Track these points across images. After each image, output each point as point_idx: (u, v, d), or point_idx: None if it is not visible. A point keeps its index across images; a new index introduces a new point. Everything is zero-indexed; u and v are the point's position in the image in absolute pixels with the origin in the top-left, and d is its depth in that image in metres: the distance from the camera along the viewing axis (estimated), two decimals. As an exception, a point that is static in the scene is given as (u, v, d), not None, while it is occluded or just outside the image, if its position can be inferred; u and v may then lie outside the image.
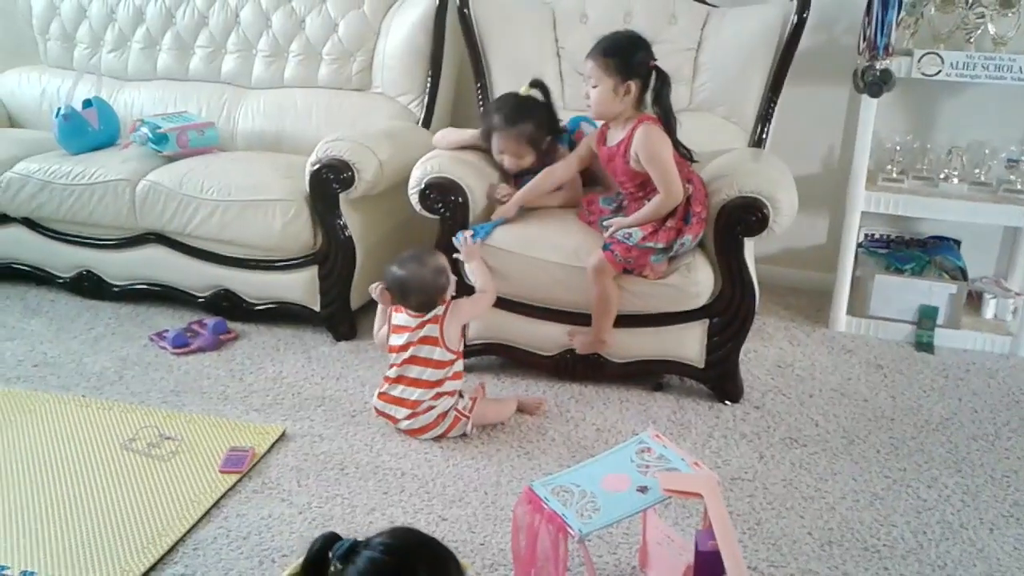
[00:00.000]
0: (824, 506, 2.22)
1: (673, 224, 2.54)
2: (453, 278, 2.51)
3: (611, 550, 2.05)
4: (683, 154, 2.58)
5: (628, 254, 2.53)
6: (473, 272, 2.63)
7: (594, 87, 2.52)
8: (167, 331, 3.05)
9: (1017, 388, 2.82)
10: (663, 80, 2.53)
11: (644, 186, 2.57)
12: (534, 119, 2.76)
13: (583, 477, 1.80)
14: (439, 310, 2.45)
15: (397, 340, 2.48)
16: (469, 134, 2.91)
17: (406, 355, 2.46)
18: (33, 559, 1.99)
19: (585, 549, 1.71)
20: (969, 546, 2.08)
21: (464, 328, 2.62)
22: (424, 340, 2.44)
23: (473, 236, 2.63)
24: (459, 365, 2.51)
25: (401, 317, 2.48)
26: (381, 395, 2.50)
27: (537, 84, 2.82)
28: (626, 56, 2.50)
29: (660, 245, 2.53)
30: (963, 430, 2.58)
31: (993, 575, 1.99)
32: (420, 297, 2.44)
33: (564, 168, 2.75)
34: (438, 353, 2.44)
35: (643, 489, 1.75)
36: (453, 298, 2.50)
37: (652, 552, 1.98)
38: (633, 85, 2.51)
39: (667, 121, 2.54)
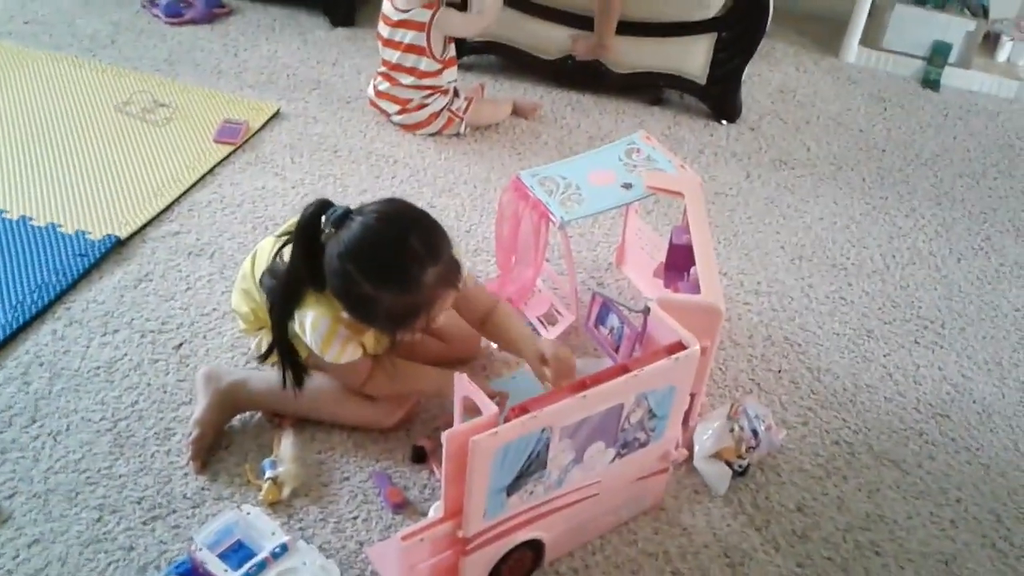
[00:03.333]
0: (801, 225, 2.29)
1: None
2: None
3: (591, 247, 2.13)
4: None
5: None
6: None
7: None
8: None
9: (1014, 132, 2.81)
10: None
11: None
12: None
13: (571, 170, 1.83)
14: (424, 15, 2.33)
15: (383, 31, 2.40)
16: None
17: (392, 59, 2.39)
18: (30, 204, 2.06)
19: (566, 239, 1.77)
20: (934, 271, 2.18)
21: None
22: (409, 48, 2.35)
23: None
24: (451, 72, 2.45)
25: (387, 7, 2.38)
26: (375, 89, 2.47)
27: None
28: None
29: None
30: (952, 167, 2.60)
31: (952, 298, 2.10)
32: None
33: None
34: (424, 63, 2.37)
35: (627, 185, 1.78)
36: (449, 4, 2.39)
37: (629, 251, 2.06)
38: None
39: None
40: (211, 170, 2.24)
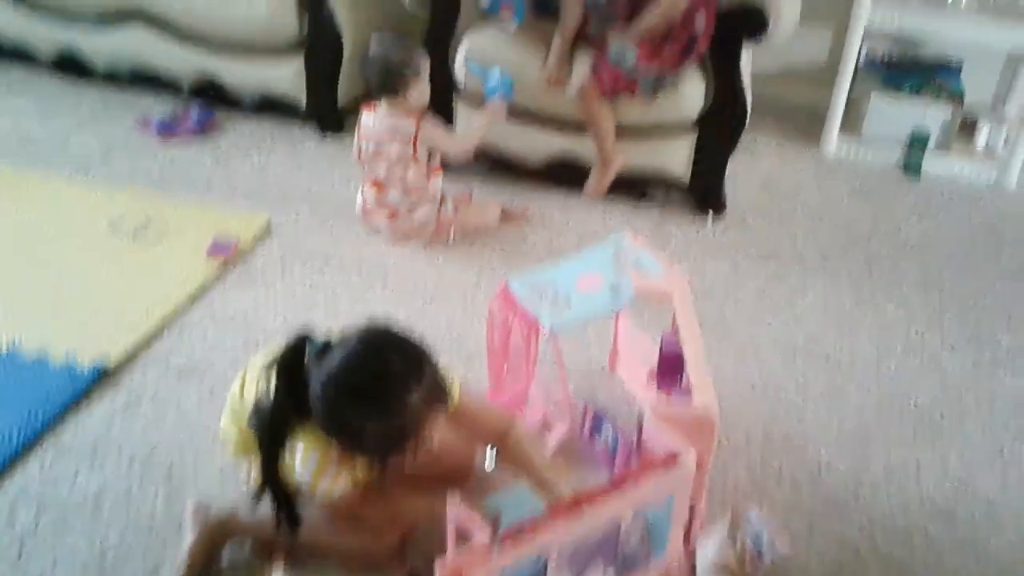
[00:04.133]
0: (792, 318, 2.29)
1: (674, 50, 2.49)
2: (423, 80, 2.38)
3: (583, 349, 2.12)
4: None
5: (616, 83, 2.50)
6: (478, 126, 2.52)
7: None
8: (152, 116, 3.01)
9: (997, 217, 2.84)
10: None
11: None
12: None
13: (558, 275, 1.83)
14: (409, 126, 2.38)
15: (366, 144, 2.43)
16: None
17: (378, 171, 2.42)
18: (19, 328, 2.04)
19: (556, 346, 1.77)
20: (928, 362, 2.17)
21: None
22: (396, 159, 2.39)
23: (504, 94, 2.49)
24: (437, 181, 2.48)
25: (367, 119, 2.43)
26: (363, 201, 2.50)
27: None
28: None
29: (652, 75, 2.48)
30: (938, 254, 2.62)
31: (948, 389, 2.08)
32: (382, 75, 2.36)
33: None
34: (411, 174, 2.40)
35: (616, 289, 1.78)
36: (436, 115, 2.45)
37: (622, 354, 2.05)
38: None
39: None
40: (202, 286, 2.25)
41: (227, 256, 2.34)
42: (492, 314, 1.85)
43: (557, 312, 1.73)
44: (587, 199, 2.71)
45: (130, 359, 2.00)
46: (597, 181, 2.68)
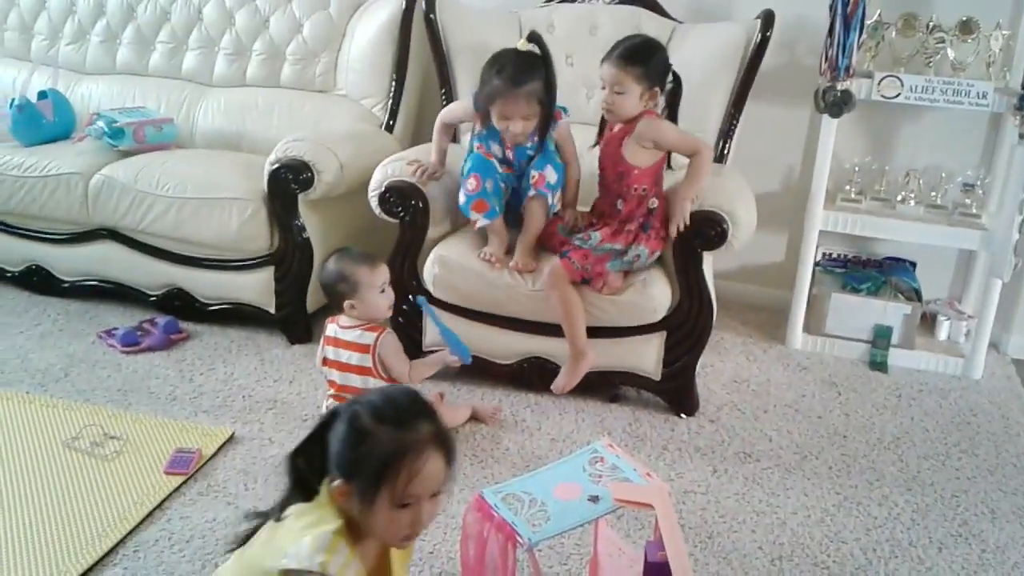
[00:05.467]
0: (775, 521, 2.22)
1: (633, 228, 2.56)
2: (367, 295, 2.37)
3: (562, 560, 2.03)
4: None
5: (585, 261, 2.53)
6: (430, 363, 2.53)
7: (619, 93, 2.53)
8: (116, 329, 2.99)
9: (968, 409, 2.85)
10: (678, 82, 2.64)
11: (621, 178, 2.59)
12: (542, 76, 2.57)
13: (534, 485, 1.78)
14: (369, 337, 2.38)
15: (328, 352, 2.43)
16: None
17: (339, 381, 2.42)
18: (-35, 558, 1.92)
19: (534, 558, 1.69)
20: (918, 564, 2.10)
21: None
22: (358, 370, 2.39)
23: (461, 357, 2.52)
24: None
25: (332, 327, 2.44)
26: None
27: (534, 38, 2.60)
28: (652, 63, 2.55)
29: (619, 247, 2.54)
30: (914, 449, 2.60)
31: (940, 593, 2.01)
32: (324, 290, 2.46)
33: (575, 169, 2.75)
34: (372, 384, 2.38)
35: (594, 499, 1.73)
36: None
37: (603, 563, 1.96)
38: (658, 90, 2.57)
39: (671, 118, 2.66)
40: (160, 504, 2.14)
41: (186, 472, 2.25)
42: (467, 525, 1.77)
43: (536, 523, 1.67)
44: (557, 393, 2.68)
45: (79, 587, 1.87)
46: (567, 376, 2.65)
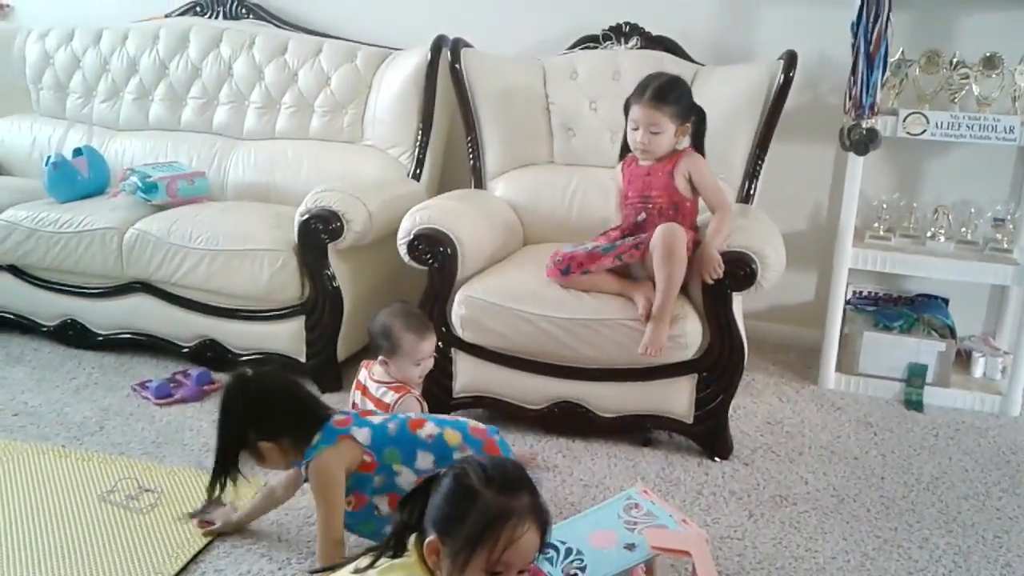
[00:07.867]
0: (814, 566, 2.19)
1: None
2: (403, 359, 2.38)
3: (598, 610, 2.00)
4: None
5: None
6: None
7: (655, 133, 2.60)
8: (150, 381, 3.02)
9: (1007, 447, 2.80)
10: (702, 118, 2.70)
11: (677, 206, 2.65)
12: (684, 101, 2.64)
13: (569, 533, 1.77)
14: (392, 398, 2.39)
15: (357, 399, 2.46)
16: None
17: None
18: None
19: (571, 607, 1.68)
20: (962, 608, 2.05)
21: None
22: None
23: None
24: None
25: (363, 374, 2.47)
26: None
27: None
28: (683, 99, 2.64)
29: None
30: (954, 489, 2.55)
31: (987, 638, 1.96)
32: (369, 333, 2.47)
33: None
34: None
35: (630, 546, 1.72)
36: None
37: (640, 612, 1.94)
38: (689, 126, 2.65)
39: (697, 150, 2.72)
40: (195, 557, 2.15)
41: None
42: None
43: (571, 572, 1.66)
44: (651, 355, 2.53)
45: (115, 642, 1.87)
46: (657, 333, 2.51)
